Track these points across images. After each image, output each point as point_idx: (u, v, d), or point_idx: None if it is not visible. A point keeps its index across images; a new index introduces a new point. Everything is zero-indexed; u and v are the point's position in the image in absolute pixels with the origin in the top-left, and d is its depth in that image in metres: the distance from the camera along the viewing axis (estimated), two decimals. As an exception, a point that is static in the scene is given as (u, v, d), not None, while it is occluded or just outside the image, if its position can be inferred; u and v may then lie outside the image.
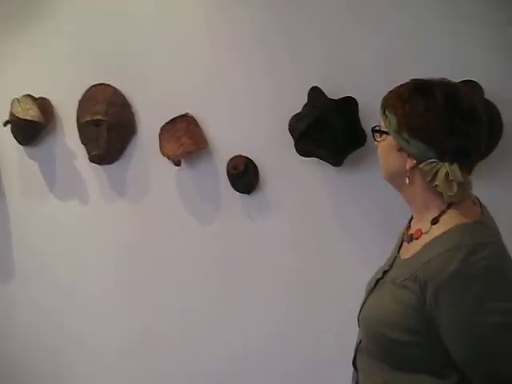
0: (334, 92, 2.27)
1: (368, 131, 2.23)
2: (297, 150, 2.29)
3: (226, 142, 2.54)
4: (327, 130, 2.16)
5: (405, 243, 1.42)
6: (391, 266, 1.42)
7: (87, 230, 2.84)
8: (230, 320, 2.62)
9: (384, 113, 1.34)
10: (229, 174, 2.50)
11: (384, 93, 1.37)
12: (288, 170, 2.45)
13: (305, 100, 2.32)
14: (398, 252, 1.44)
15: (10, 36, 2.89)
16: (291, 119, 2.30)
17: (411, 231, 1.40)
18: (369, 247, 2.36)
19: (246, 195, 2.52)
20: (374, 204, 2.35)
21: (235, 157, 2.50)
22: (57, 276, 2.93)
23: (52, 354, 2.99)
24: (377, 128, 1.39)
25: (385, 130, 1.35)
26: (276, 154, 2.46)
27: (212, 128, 2.56)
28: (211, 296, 2.64)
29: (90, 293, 2.88)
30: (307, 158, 2.36)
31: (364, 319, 1.40)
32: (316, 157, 2.31)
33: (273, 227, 2.51)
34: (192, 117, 2.54)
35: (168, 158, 2.52)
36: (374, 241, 2.35)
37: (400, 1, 2.24)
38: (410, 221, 1.45)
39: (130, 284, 2.79)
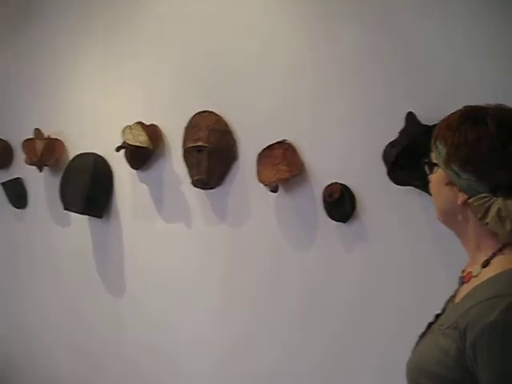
0: (432, 118, 2.15)
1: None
2: (390, 178, 2.20)
3: (322, 169, 2.49)
4: (419, 158, 2.05)
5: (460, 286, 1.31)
6: (444, 309, 1.32)
7: (191, 252, 2.93)
8: (314, 350, 2.56)
9: (434, 143, 1.25)
10: (325, 201, 2.46)
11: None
12: (386, 199, 2.34)
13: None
14: (455, 295, 1.33)
15: (127, 70, 3.12)
16: (386, 146, 2.22)
17: (464, 274, 1.29)
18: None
19: (342, 223, 2.46)
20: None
21: (331, 184, 2.44)
22: (162, 294, 3.05)
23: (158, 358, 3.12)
24: (426, 160, 1.29)
25: (434, 161, 1.25)
26: (373, 182, 2.37)
27: (309, 155, 2.53)
28: (302, 323, 2.59)
29: (192, 310, 2.95)
30: (405, 187, 2.26)
31: (408, 366, 1.29)
32: (412, 186, 2.20)
33: (370, 258, 2.40)
34: (289, 143, 2.53)
35: (264, 184, 2.53)
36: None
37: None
38: None
39: (228, 305, 2.83)
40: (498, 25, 2.07)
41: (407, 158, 2.08)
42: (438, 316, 1.32)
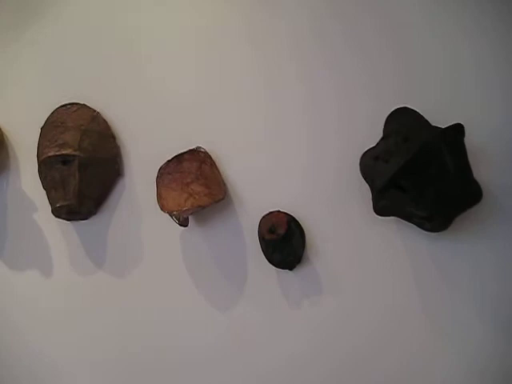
0: (437, 118, 1.48)
1: (483, 179, 1.45)
2: (376, 206, 1.46)
3: (257, 192, 1.76)
4: (430, 175, 1.35)
5: None
6: None
7: (52, 313, 2.05)
8: None
9: None
10: (262, 239, 1.68)
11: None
12: (351, 235, 1.65)
13: (376, 130, 1.53)
14: None
15: None
16: (364, 157, 1.49)
17: None
18: (477, 354, 1.54)
19: (286, 271, 1.71)
20: (490, 290, 1.52)
21: (271, 213, 1.68)
22: (20, 367, 2.12)
23: None
24: None
25: None
26: (333, 211, 1.66)
27: (235, 170, 1.78)
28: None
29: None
30: (382, 217, 1.56)
31: None
32: (399, 216, 1.48)
33: (326, 321, 1.69)
34: (206, 153, 1.75)
35: (170, 214, 1.71)
36: (485, 343, 1.53)
37: None
38: None
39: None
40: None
41: (410, 176, 1.36)
42: None
